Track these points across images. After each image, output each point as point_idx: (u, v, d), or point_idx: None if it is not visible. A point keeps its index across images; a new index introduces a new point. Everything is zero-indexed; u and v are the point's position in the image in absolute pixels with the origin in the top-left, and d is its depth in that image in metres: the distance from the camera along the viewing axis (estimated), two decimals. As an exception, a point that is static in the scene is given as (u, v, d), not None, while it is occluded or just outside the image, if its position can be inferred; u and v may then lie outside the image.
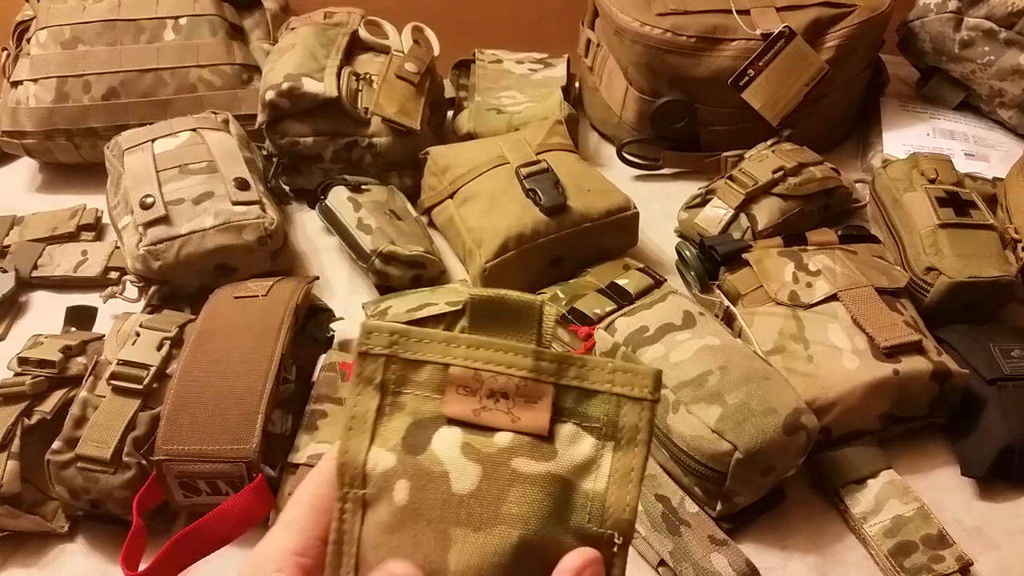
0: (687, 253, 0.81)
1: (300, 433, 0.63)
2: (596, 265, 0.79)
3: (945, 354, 0.67)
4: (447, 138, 0.99)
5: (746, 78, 0.90)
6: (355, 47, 0.94)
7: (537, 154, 0.84)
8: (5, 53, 0.98)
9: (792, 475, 0.62)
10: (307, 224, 0.91)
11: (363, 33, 0.94)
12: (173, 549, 0.55)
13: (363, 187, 0.86)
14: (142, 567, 0.56)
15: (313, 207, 0.88)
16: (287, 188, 0.91)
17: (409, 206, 0.88)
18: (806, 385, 0.63)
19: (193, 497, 0.60)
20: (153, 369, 0.62)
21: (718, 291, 0.75)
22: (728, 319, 0.72)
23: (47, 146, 0.94)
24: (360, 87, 0.88)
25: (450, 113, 1.03)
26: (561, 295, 0.75)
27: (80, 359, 0.66)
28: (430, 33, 0.96)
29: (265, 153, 0.90)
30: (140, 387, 0.61)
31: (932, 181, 0.80)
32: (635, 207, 0.81)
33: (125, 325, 0.67)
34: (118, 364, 0.62)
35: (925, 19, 0.99)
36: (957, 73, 1.00)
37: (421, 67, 0.91)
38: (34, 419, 0.61)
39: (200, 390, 0.59)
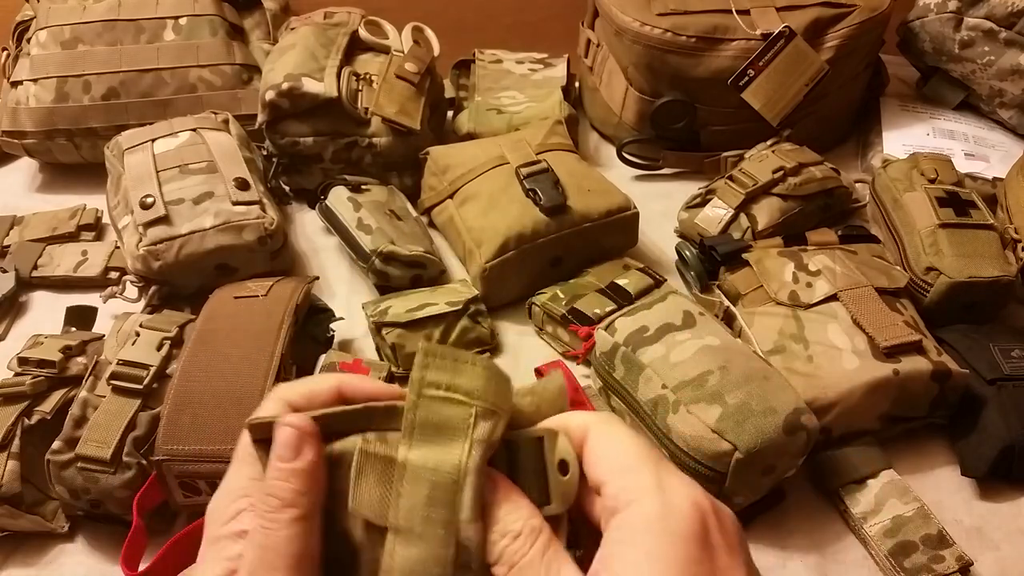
0: (687, 253, 0.81)
1: (300, 433, 0.63)
2: (596, 265, 0.79)
3: (945, 354, 0.67)
4: (447, 138, 0.99)
5: (746, 78, 0.90)
6: (355, 47, 0.94)
7: (537, 154, 0.84)
8: (5, 53, 0.98)
9: (792, 475, 0.62)
10: (307, 224, 0.91)
11: (363, 33, 0.94)
12: (173, 549, 0.55)
13: (363, 187, 0.86)
14: (142, 567, 0.56)
15: (313, 207, 0.88)
16: (287, 188, 0.91)
17: (409, 206, 0.88)
18: (806, 385, 0.63)
19: (193, 497, 0.60)
20: (153, 369, 0.62)
21: (718, 291, 0.75)
22: (728, 319, 0.72)
23: (47, 146, 0.94)
24: (360, 87, 0.88)
25: (450, 113, 1.03)
26: (561, 295, 0.75)
27: (80, 359, 0.66)
28: (430, 33, 0.96)
29: (265, 153, 0.90)
30: (140, 387, 0.61)
31: (932, 181, 0.80)
32: (635, 207, 0.81)
33: (125, 325, 0.67)
34: (118, 364, 0.62)
35: (925, 19, 0.99)
36: (957, 73, 1.00)
37: (421, 67, 0.91)
38: (34, 419, 0.61)
39: (200, 390, 0.59)
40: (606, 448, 0.29)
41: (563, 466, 0.29)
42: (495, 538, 0.27)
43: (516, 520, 0.28)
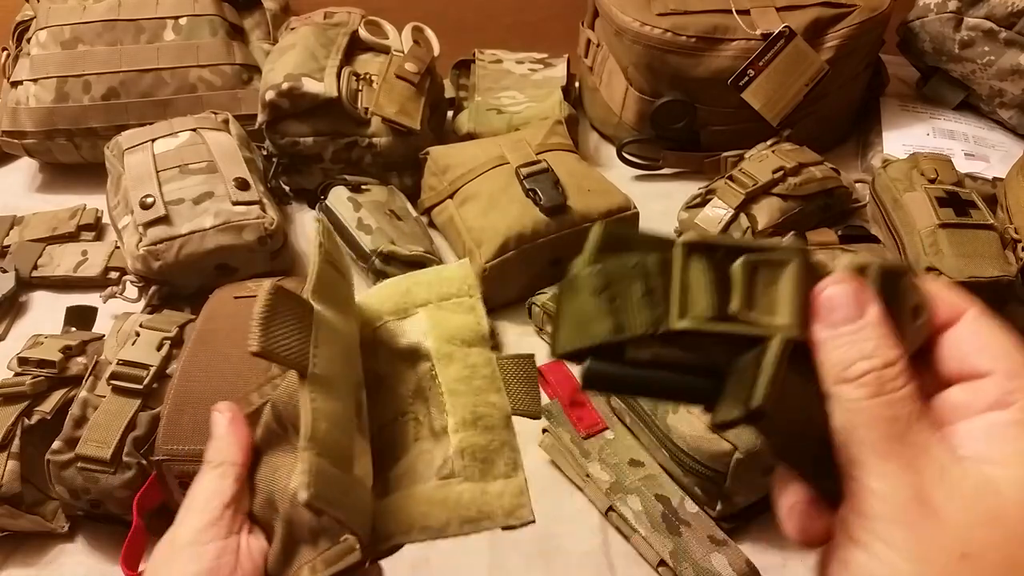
0: (687, 253, 0.81)
1: (300, 433, 0.63)
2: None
3: (945, 354, 0.66)
4: (447, 138, 0.99)
5: (746, 78, 0.90)
6: (355, 47, 0.93)
7: (537, 154, 0.84)
8: (5, 53, 0.98)
9: (792, 475, 0.62)
10: (307, 224, 0.91)
11: (363, 33, 0.94)
12: (173, 549, 0.55)
13: (363, 187, 0.86)
14: (142, 567, 0.56)
15: (313, 207, 0.88)
16: (287, 188, 0.91)
17: (409, 206, 0.88)
18: (806, 385, 0.63)
19: (193, 497, 0.60)
20: (153, 369, 0.62)
21: (718, 291, 0.75)
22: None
23: (47, 146, 0.94)
24: (360, 87, 0.88)
25: (450, 113, 1.03)
26: (561, 295, 0.75)
27: (80, 359, 0.66)
28: (430, 33, 0.96)
29: (265, 153, 0.90)
30: (140, 387, 0.61)
31: (932, 181, 0.80)
32: (635, 207, 0.81)
33: (125, 325, 0.67)
34: (118, 364, 0.62)
35: (925, 19, 0.99)
36: (957, 73, 1.00)
37: (421, 67, 0.91)
38: (34, 419, 0.61)
39: (200, 390, 0.59)
40: (1005, 342, 0.28)
41: (915, 311, 0.28)
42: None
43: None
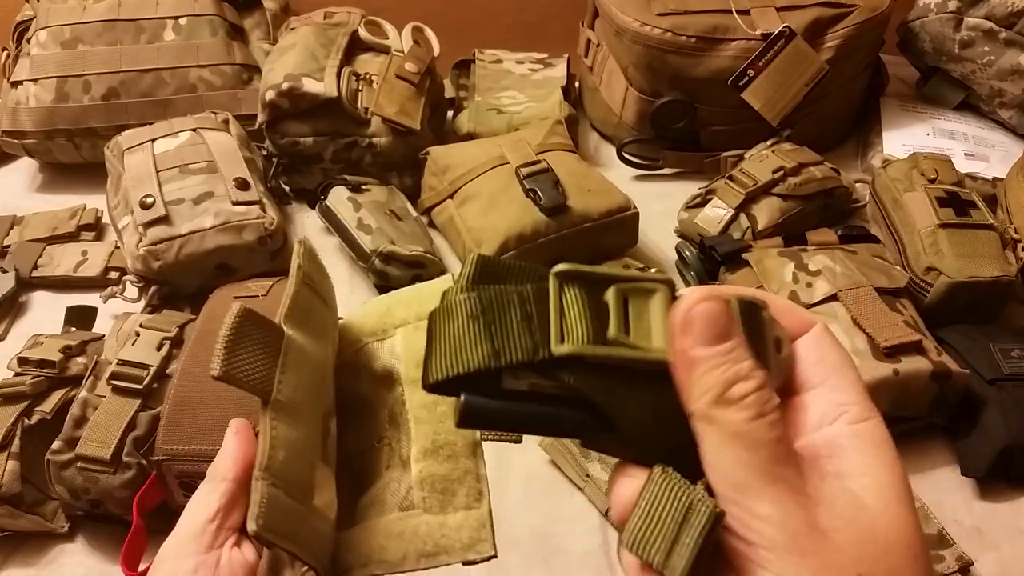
0: (687, 253, 0.81)
1: (300, 433, 0.63)
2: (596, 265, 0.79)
3: (945, 354, 0.67)
4: (447, 138, 0.99)
5: (746, 78, 0.90)
6: (355, 47, 0.94)
7: (537, 154, 0.84)
8: (5, 53, 0.98)
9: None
10: (307, 224, 0.91)
11: (363, 33, 0.94)
12: (173, 549, 0.55)
13: (363, 187, 0.86)
14: (142, 567, 0.56)
15: (313, 207, 0.88)
16: (287, 188, 0.91)
17: (409, 206, 0.88)
18: (806, 385, 0.63)
19: (193, 497, 0.60)
20: (153, 369, 0.62)
21: (718, 291, 0.75)
22: (728, 319, 0.72)
23: (47, 146, 0.94)
24: (360, 87, 0.88)
25: (450, 113, 1.03)
26: (561, 295, 0.75)
27: (80, 359, 0.66)
28: (430, 33, 0.96)
29: (265, 153, 0.90)
30: (140, 387, 0.61)
31: (932, 181, 0.80)
32: (635, 207, 0.81)
33: (125, 325, 0.67)
34: (118, 364, 0.62)
35: (925, 19, 0.99)
36: (957, 73, 1.00)
37: (421, 67, 0.91)
38: (34, 419, 0.61)
39: (200, 390, 0.59)
40: (838, 357, 0.29)
41: (777, 344, 0.28)
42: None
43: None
